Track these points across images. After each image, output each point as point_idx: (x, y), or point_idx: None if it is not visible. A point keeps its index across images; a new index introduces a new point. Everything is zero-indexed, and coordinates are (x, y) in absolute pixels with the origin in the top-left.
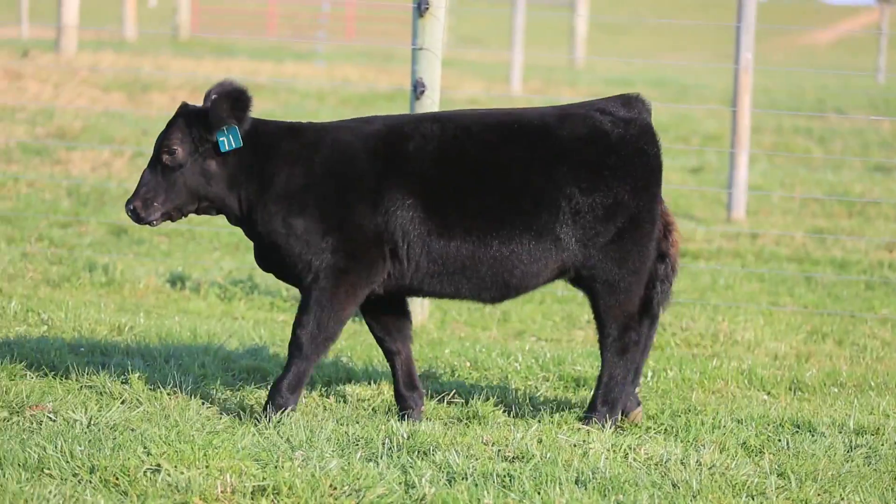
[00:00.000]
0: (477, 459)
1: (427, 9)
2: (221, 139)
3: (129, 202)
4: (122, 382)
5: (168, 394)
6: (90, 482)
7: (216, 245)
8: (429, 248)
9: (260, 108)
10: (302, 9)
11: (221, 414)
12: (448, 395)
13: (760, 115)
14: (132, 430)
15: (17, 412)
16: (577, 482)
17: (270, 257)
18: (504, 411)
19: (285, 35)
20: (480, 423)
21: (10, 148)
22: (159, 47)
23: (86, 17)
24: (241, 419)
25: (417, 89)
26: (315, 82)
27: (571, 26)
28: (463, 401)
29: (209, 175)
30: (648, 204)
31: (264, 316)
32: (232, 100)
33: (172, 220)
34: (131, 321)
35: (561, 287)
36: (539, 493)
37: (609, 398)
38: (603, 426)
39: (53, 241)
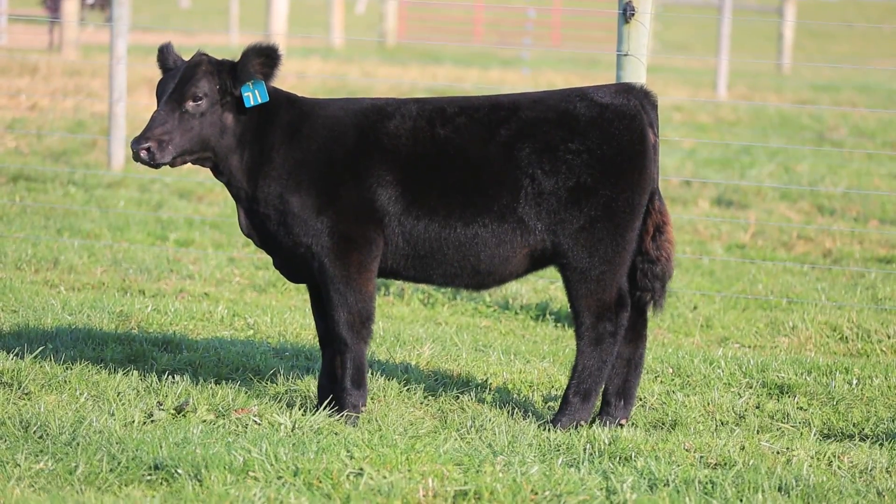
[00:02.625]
0: (679, 466)
1: (632, 15)
2: (247, 94)
3: (140, 141)
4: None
5: (372, 398)
6: (294, 485)
7: None
8: (404, 228)
9: None
10: (508, 15)
11: (424, 418)
12: (650, 400)
13: None
14: (335, 433)
15: (223, 415)
16: (780, 489)
17: (262, 227)
18: (706, 418)
19: (491, 42)
20: (682, 430)
21: None
22: (366, 54)
23: (294, 24)
24: (443, 424)
25: None
26: (521, 89)
27: (779, 32)
28: (665, 407)
29: (224, 128)
30: (625, 192)
31: (467, 321)
32: (263, 56)
33: (173, 166)
34: None
35: (766, 293)
36: (741, 501)
37: (581, 389)
38: (575, 418)
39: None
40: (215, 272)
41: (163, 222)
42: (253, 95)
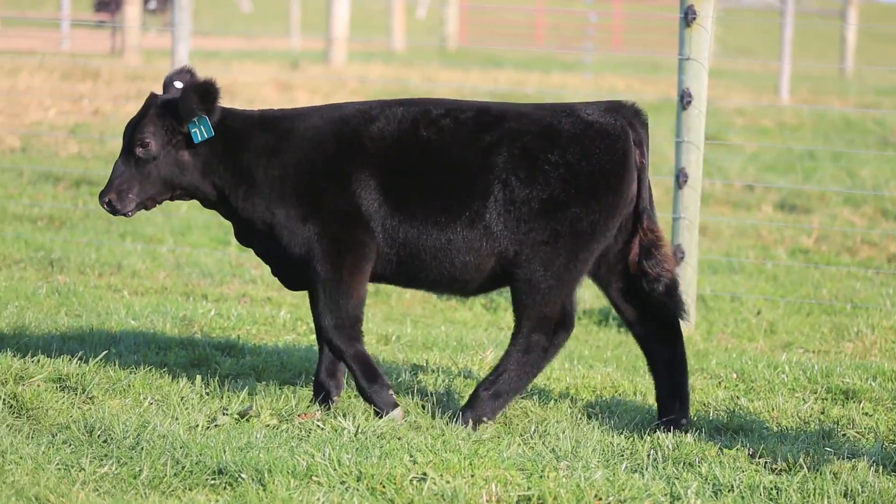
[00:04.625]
0: (743, 472)
1: (694, 19)
2: (194, 131)
3: (103, 194)
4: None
5: (436, 402)
6: (357, 490)
7: None
8: (387, 233)
9: None
10: (569, 19)
11: (487, 423)
12: (714, 406)
13: None
14: (398, 438)
15: (287, 420)
16: (845, 496)
17: (253, 238)
18: (770, 423)
19: (552, 46)
20: (747, 435)
21: None
22: (427, 58)
23: (355, 28)
24: (506, 429)
25: (684, 99)
26: (582, 93)
27: (841, 35)
28: (729, 412)
29: (182, 165)
30: (594, 213)
31: None
32: (201, 91)
33: (147, 209)
34: (398, 331)
35: (830, 298)
36: None
37: (494, 387)
38: (479, 414)
39: None
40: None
41: (225, 227)
42: (200, 132)
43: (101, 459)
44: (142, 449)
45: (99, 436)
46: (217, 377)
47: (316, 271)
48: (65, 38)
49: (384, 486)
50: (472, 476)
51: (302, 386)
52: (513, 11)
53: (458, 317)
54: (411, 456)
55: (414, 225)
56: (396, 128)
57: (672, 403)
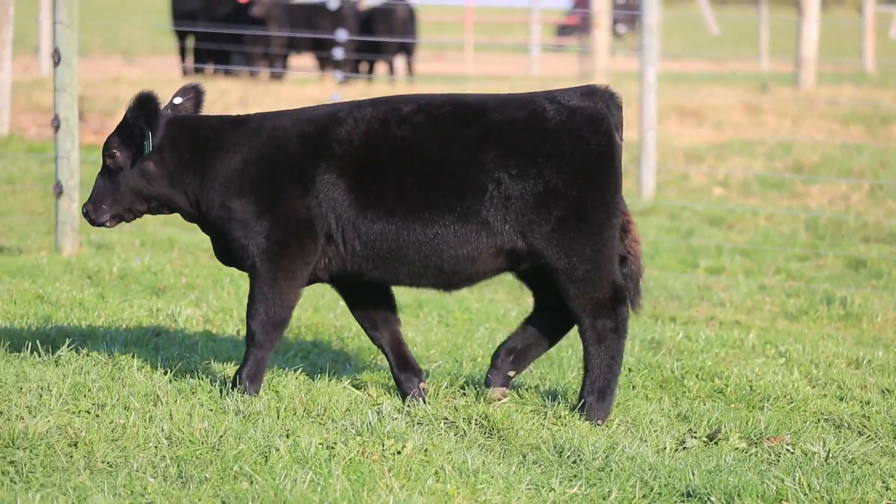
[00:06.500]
0: None
1: None
2: (143, 143)
3: (84, 205)
4: (862, 417)
5: (893, 424)
6: None
7: None
8: (359, 231)
9: None
10: None
11: None
12: None
13: None
14: (870, 464)
15: (756, 444)
16: None
17: (223, 247)
18: None
19: None
20: None
21: (749, 181)
22: None
23: (825, 50)
24: None
25: None
26: None
27: None
28: None
29: (149, 175)
30: (595, 193)
31: None
32: (140, 106)
33: (126, 221)
34: (869, 354)
35: None
36: None
37: (595, 388)
38: (592, 418)
39: (791, 274)
40: (746, 300)
41: (693, 249)
42: (147, 144)
43: (571, 480)
44: (610, 470)
45: (568, 456)
46: (685, 400)
47: (255, 267)
48: (534, 63)
49: None
50: None
51: (771, 410)
52: None
53: None
54: (884, 482)
55: (392, 222)
56: (366, 129)
57: (506, 357)
